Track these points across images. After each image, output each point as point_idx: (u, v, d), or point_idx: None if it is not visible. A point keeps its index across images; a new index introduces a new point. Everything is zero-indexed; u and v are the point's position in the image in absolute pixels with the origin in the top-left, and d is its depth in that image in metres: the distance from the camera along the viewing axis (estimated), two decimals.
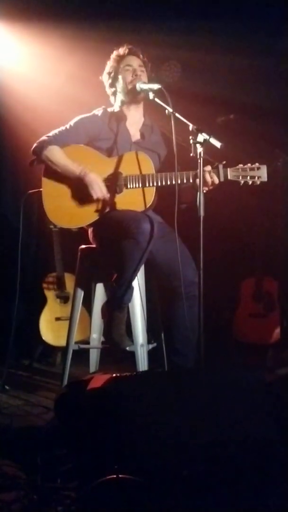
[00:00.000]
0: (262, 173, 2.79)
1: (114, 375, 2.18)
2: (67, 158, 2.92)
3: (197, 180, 2.53)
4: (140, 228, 2.72)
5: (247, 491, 1.98)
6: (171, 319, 2.95)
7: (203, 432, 2.05)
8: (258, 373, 2.24)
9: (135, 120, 3.07)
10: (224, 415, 2.08)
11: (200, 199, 2.45)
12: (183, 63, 3.90)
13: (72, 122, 3.00)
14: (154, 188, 2.87)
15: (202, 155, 2.46)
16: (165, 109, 2.67)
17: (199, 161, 2.47)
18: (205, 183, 2.69)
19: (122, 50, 2.99)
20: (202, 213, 2.44)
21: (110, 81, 3.03)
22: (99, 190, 2.86)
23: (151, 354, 3.00)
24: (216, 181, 2.76)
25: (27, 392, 3.29)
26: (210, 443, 2.04)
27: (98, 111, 3.05)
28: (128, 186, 2.88)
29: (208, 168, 2.74)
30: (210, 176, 2.74)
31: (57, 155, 2.91)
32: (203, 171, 2.62)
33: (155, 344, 3.11)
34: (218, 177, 2.77)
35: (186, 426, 2.04)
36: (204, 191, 2.63)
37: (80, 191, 2.91)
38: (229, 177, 2.79)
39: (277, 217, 3.63)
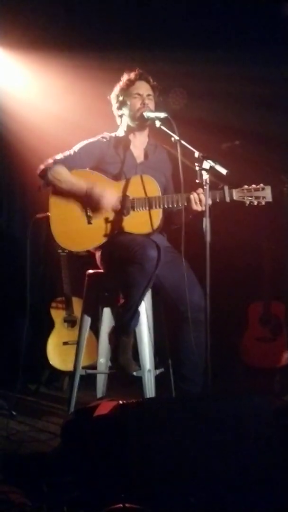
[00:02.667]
0: (266, 194, 2.83)
1: (120, 402, 2.17)
2: (74, 176, 2.95)
3: (193, 204, 2.76)
4: (146, 255, 2.73)
5: None
6: (178, 344, 2.94)
7: (211, 459, 2.03)
8: (266, 398, 2.22)
9: (140, 142, 3.11)
10: (232, 442, 2.07)
11: (207, 225, 2.48)
12: (189, 91, 3.95)
13: (76, 148, 3.03)
14: (161, 210, 2.91)
15: (208, 182, 2.49)
16: (172, 136, 2.72)
17: (205, 187, 2.50)
18: (195, 205, 2.78)
19: (132, 75, 3.03)
20: (208, 238, 2.47)
21: (117, 104, 3.07)
22: (110, 197, 2.89)
23: (158, 379, 2.98)
24: (203, 200, 2.76)
25: (34, 417, 3.28)
26: (218, 470, 2.03)
27: (103, 137, 3.09)
28: (135, 209, 2.91)
29: (200, 190, 2.78)
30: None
31: (63, 174, 2.94)
32: (198, 193, 2.77)
33: (162, 369, 3.10)
34: (224, 198, 2.80)
35: (193, 453, 2.03)
36: (191, 216, 2.80)
37: (87, 213, 2.94)
38: (234, 198, 2.83)
39: (284, 241, 3.64)
